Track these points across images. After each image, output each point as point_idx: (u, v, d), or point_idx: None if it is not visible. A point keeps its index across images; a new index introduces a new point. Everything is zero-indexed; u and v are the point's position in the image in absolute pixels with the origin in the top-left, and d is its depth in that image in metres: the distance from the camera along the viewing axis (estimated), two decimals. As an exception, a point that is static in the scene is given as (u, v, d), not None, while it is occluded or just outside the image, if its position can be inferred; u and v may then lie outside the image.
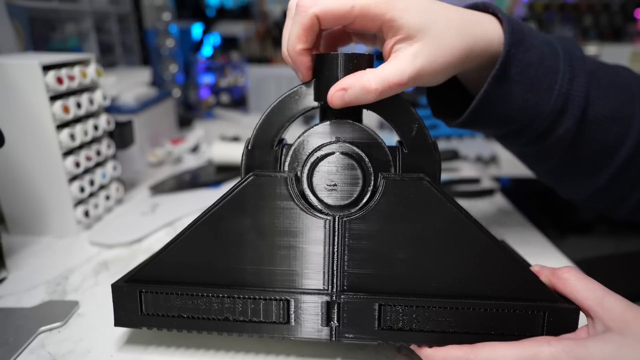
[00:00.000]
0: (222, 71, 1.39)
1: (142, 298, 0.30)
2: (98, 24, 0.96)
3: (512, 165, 0.99)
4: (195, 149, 0.87)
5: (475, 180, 0.71)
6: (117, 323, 0.31)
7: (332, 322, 0.29)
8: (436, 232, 0.28)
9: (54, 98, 0.48)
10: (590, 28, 2.43)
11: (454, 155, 0.79)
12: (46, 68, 0.46)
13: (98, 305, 0.38)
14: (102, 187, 0.58)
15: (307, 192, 0.30)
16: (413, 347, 0.29)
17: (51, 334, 0.34)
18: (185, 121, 1.09)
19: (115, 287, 0.30)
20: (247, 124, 1.14)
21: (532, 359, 0.25)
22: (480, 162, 0.94)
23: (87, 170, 0.54)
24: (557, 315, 0.28)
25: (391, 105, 0.31)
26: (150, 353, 0.32)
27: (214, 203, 0.30)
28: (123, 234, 0.51)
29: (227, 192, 0.30)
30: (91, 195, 0.55)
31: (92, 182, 0.54)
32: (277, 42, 1.54)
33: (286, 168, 0.31)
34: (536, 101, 0.34)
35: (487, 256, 0.28)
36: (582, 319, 0.28)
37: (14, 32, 0.63)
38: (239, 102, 1.40)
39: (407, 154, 0.31)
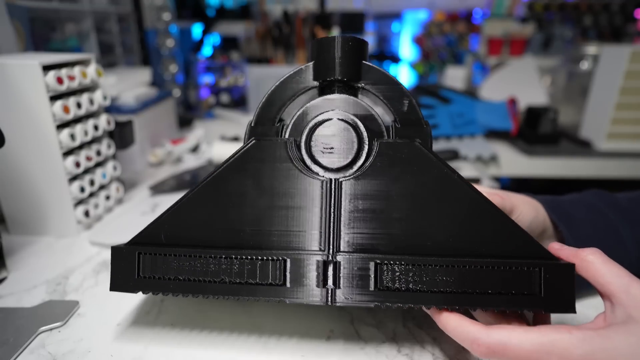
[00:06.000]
0: (222, 71, 1.39)
1: (140, 260, 0.30)
2: (98, 24, 0.96)
3: (512, 165, 0.99)
4: (195, 149, 0.87)
5: (475, 180, 0.71)
6: (113, 287, 0.31)
7: (328, 284, 0.29)
8: (429, 190, 0.29)
9: (54, 98, 0.48)
10: (590, 28, 2.43)
11: (454, 155, 0.79)
12: (46, 68, 0.47)
13: (98, 305, 0.38)
14: (102, 187, 0.58)
15: (305, 155, 0.31)
16: (431, 311, 0.29)
17: (51, 333, 0.34)
18: (185, 121, 1.09)
19: (115, 249, 0.31)
20: (247, 123, 1.14)
21: (550, 346, 0.23)
22: (480, 162, 0.93)
23: (87, 170, 0.54)
24: (554, 272, 0.27)
25: (384, 82, 0.33)
26: (150, 353, 0.32)
27: (217, 167, 0.31)
28: (123, 234, 0.51)
29: (230, 156, 0.31)
30: (91, 195, 0.55)
31: (92, 182, 0.54)
32: (277, 42, 1.53)
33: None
34: None
35: (479, 213, 0.29)
36: (590, 307, 0.28)
37: (14, 32, 0.63)
38: (239, 102, 1.40)
39: (400, 128, 0.33)
